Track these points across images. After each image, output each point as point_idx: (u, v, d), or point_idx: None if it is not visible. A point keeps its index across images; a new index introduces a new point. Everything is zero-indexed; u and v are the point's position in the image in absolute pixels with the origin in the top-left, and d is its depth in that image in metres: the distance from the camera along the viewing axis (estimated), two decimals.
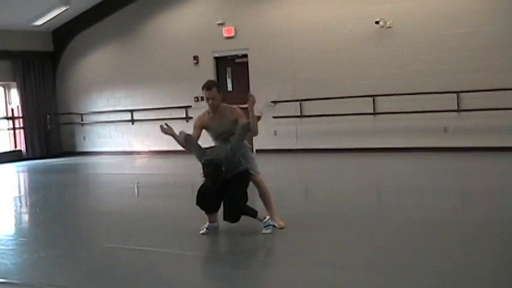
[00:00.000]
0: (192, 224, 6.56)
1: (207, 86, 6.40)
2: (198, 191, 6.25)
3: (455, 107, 12.30)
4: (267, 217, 6.29)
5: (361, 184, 9.59)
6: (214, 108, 6.39)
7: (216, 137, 6.47)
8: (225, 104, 6.50)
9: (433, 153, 12.32)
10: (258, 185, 6.50)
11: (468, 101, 12.19)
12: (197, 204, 6.27)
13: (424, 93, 12.45)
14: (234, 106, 6.53)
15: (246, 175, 6.27)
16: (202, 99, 15.06)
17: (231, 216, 6.07)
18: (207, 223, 6.34)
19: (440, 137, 12.54)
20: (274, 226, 6.28)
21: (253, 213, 6.20)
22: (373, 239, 5.85)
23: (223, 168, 6.00)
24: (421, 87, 12.51)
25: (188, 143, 6.32)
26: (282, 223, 6.40)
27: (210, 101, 6.38)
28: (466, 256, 5.14)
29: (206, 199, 6.21)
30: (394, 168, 11.21)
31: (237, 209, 6.08)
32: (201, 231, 6.31)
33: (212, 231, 6.31)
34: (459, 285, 4.40)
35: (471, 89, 12.04)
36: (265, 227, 6.21)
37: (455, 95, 12.24)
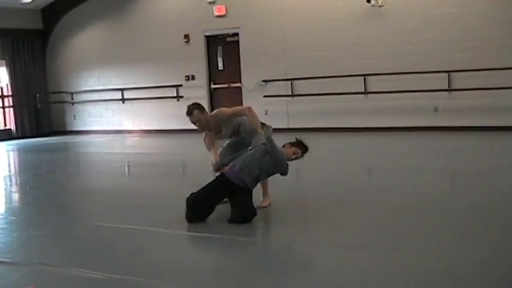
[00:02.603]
0: (183, 203, 6.55)
1: (187, 113, 6.48)
2: (188, 204, 5.98)
3: (446, 87, 12.31)
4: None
5: (352, 164, 9.61)
6: (205, 129, 6.49)
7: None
8: (211, 115, 6.61)
9: (423, 132, 12.36)
10: None
11: (459, 80, 12.21)
12: (187, 217, 5.96)
13: (415, 73, 12.45)
14: (216, 111, 6.64)
15: (251, 192, 6.01)
16: (193, 78, 15.10)
17: (244, 221, 5.85)
18: None
19: (431, 117, 12.57)
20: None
21: None
22: (367, 220, 5.85)
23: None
24: (412, 67, 12.51)
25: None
26: (265, 203, 6.46)
27: (197, 124, 6.48)
28: (460, 237, 5.16)
29: (198, 211, 5.96)
30: (385, 148, 11.24)
31: (251, 215, 5.87)
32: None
33: None
34: (455, 265, 4.41)
35: (462, 68, 12.05)
36: None
37: (446, 75, 12.25)
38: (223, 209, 6.11)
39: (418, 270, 4.35)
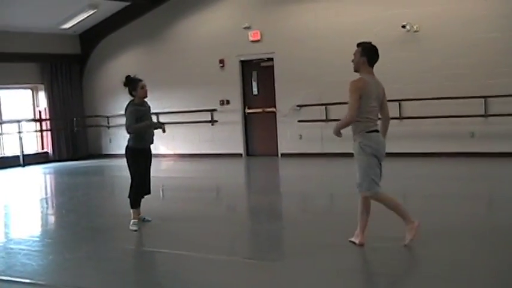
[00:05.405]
0: (218, 227, 6.57)
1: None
2: (136, 186, 7.39)
3: (483, 112, 12.17)
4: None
5: (388, 189, 9.49)
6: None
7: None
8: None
9: (459, 158, 12.20)
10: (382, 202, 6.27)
11: (496, 106, 12.06)
12: (135, 197, 7.42)
13: (451, 98, 12.33)
14: None
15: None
16: (227, 102, 15.17)
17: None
18: (134, 220, 7.26)
19: (467, 142, 12.41)
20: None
21: None
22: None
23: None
24: (447, 92, 12.40)
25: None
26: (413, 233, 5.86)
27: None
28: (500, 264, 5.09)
29: (144, 186, 7.43)
30: (420, 173, 11.09)
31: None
32: (134, 229, 7.09)
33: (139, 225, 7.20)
34: None
35: (499, 94, 11.91)
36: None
37: (482, 100, 12.12)
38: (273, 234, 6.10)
39: None
